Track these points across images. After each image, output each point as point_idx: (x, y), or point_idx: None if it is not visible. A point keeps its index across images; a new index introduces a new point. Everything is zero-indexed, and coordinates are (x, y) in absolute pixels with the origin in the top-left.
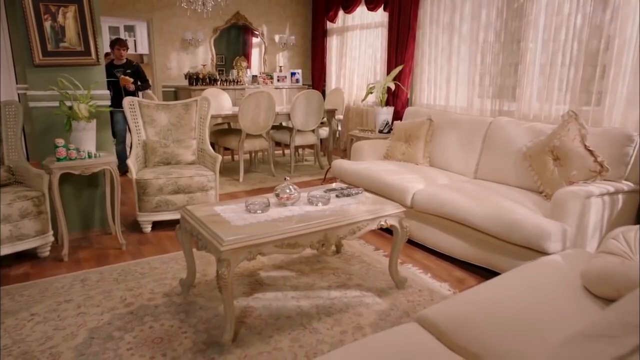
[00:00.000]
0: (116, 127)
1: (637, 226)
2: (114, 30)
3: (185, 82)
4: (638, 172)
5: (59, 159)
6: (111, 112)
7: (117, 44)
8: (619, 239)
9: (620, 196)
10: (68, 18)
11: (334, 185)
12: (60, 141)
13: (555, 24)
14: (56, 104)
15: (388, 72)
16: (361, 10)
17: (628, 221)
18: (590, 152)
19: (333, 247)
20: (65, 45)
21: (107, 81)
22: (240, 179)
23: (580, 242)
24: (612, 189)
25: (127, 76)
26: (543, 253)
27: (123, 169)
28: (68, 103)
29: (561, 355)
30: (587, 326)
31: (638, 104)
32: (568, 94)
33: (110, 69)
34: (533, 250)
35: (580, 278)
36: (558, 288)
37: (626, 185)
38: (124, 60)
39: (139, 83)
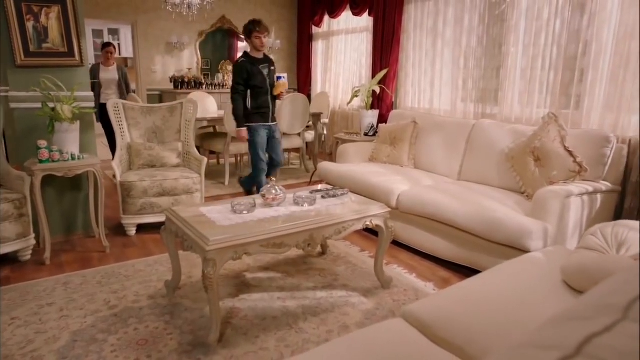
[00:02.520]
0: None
1: (614, 222)
2: (97, 33)
3: (171, 86)
4: (615, 173)
5: (41, 161)
6: (255, 132)
7: (257, 28)
8: (597, 235)
9: (598, 196)
10: (51, 19)
11: (319, 186)
12: (42, 143)
13: (536, 29)
14: (38, 105)
15: (373, 76)
16: (346, 15)
17: (606, 220)
18: (570, 152)
19: (319, 249)
20: (49, 46)
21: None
22: (226, 182)
23: (560, 240)
24: (590, 189)
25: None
26: (525, 251)
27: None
28: (51, 104)
29: (536, 338)
30: (562, 312)
31: (615, 107)
32: (548, 97)
33: (252, 64)
34: (515, 248)
35: (560, 273)
36: (539, 283)
37: (604, 185)
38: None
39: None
